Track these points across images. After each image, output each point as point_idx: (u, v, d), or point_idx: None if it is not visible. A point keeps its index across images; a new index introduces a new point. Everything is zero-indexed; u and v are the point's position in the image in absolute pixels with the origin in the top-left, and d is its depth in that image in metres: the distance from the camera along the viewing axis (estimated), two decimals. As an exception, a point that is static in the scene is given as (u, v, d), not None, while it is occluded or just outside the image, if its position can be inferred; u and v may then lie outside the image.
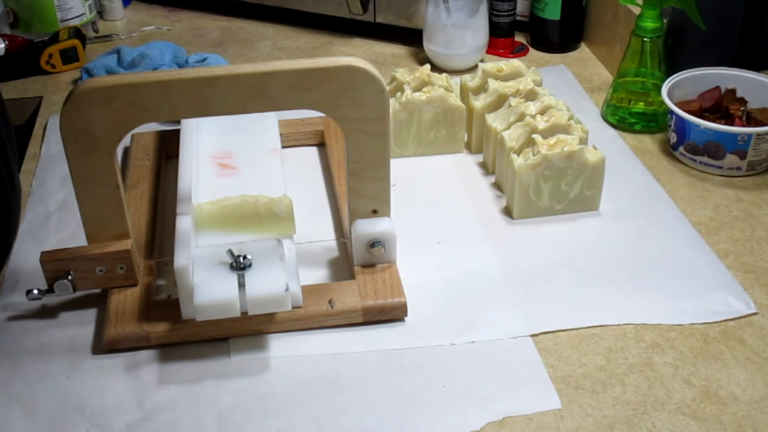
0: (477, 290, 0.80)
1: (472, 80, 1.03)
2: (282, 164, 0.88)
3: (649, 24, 1.01)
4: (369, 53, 1.28)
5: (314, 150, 1.03)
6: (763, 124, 0.96)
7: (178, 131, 0.92)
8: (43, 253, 0.76)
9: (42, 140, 1.06)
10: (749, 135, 0.93)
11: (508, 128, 0.93)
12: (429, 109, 0.97)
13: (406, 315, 0.77)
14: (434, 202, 0.93)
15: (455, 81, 1.06)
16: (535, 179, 0.87)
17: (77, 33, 1.26)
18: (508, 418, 0.68)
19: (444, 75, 1.02)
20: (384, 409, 0.69)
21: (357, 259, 0.80)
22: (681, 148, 0.98)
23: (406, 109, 0.97)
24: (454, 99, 0.98)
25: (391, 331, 0.76)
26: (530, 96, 0.97)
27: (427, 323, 0.77)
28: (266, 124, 0.94)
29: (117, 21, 1.41)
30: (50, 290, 0.76)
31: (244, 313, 0.70)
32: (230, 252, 0.72)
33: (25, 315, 0.79)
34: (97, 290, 0.79)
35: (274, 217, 0.78)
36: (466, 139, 1.02)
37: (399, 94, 0.98)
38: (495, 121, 0.96)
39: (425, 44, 1.21)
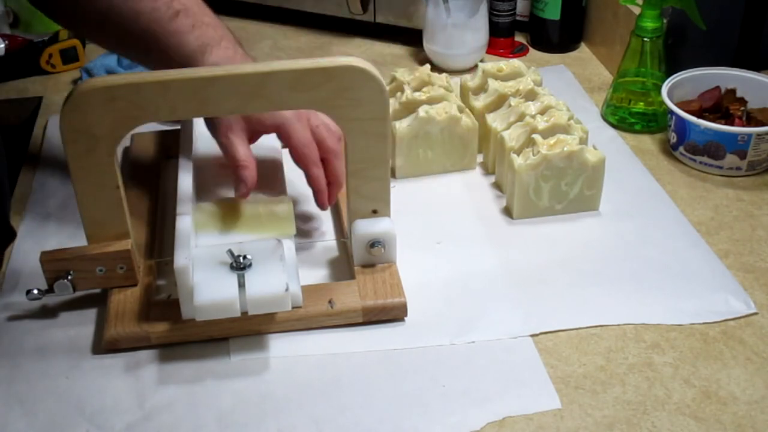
0: (477, 290, 0.80)
1: (472, 80, 1.03)
2: (282, 164, 0.87)
3: (649, 24, 1.01)
4: (369, 53, 1.28)
5: (314, 150, 1.02)
6: (763, 124, 0.96)
7: (178, 131, 0.92)
8: (43, 253, 0.76)
9: (42, 140, 1.06)
10: (749, 135, 0.93)
11: (508, 128, 0.93)
12: (429, 109, 0.97)
13: (406, 315, 0.77)
14: (434, 202, 0.93)
15: (455, 81, 1.05)
16: (535, 179, 0.87)
17: (77, 33, 1.26)
18: (508, 418, 0.68)
19: (444, 75, 1.02)
20: (384, 409, 0.69)
21: (357, 259, 0.80)
22: (681, 148, 0.98)
23: (406, 109, 0.96)
24: (454, 99, 0.98)
25: (391, 331, 0.76)
26: (530, 96, 0.97)
27: (427, 323, 0.77)
28: (266, 124, 0.94)
29: (117, 21, 1.41)
30: (50, 290, 0.76)
31: (244, 313, 0.70)
32: (230, 252, 0.71)
33: (25, 315, 0.78)
34: (97, 290, 0.79)
35: (274, 217, 0.78)
36: (466, 139, 1.02)
37: (399, 94, 0.97)
38: (495, 121, 0.96)
39: (425, 44, 1.21)
